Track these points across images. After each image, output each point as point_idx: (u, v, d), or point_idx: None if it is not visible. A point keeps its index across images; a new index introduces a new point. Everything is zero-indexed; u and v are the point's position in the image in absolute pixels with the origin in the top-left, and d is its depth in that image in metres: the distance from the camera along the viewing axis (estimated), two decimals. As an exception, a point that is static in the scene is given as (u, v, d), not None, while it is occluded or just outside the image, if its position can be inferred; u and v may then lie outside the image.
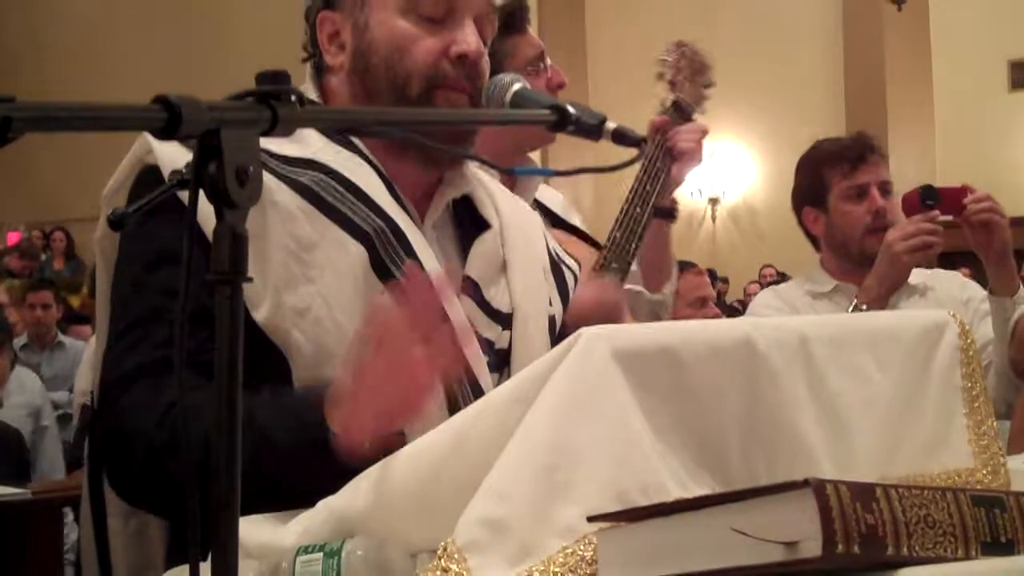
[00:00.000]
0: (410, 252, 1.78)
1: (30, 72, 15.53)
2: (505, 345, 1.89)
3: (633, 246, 2.91)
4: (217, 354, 1.09)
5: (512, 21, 2.76)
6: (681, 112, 3.07)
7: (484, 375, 1.80)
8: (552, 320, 1.99)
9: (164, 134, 1.09)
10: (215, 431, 1.08)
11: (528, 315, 1.92)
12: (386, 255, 1.76)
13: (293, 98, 1.19)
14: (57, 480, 5.51)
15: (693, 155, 3.00)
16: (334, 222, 1.75)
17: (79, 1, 16.65)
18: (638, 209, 2.94)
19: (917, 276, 3.55)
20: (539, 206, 2.89)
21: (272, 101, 1.17)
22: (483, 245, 1.93)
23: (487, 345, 1.86)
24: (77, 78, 14.96)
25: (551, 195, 3.12)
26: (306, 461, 1.54)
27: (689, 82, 3.12)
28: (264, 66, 1.22)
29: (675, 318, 3.47)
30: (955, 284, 3.61)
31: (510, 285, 1.92)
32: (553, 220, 2.93)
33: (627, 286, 2.96)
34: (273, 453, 1.54)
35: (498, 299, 1.90)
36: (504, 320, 1.90)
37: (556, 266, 2.07)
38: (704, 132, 3.04)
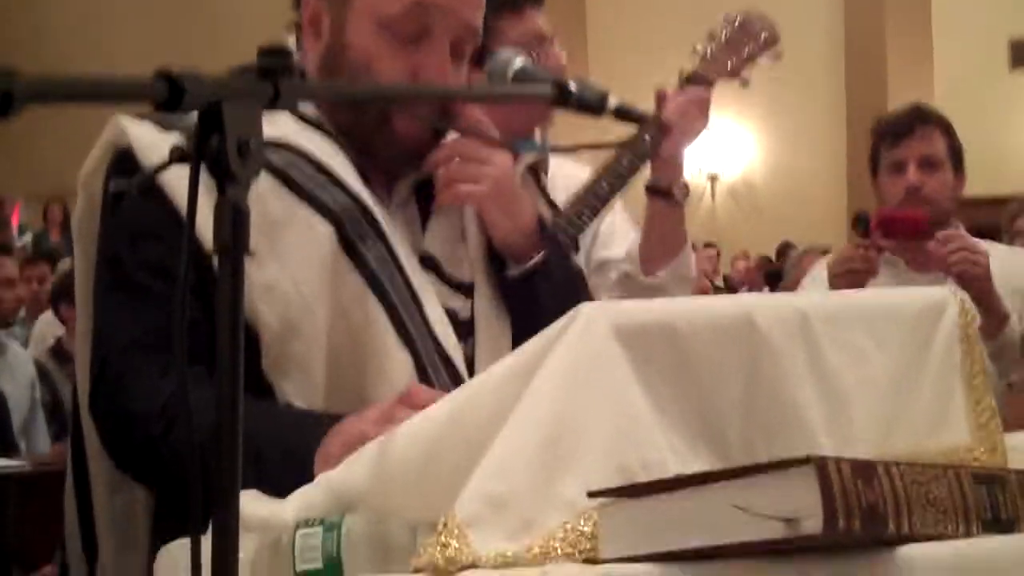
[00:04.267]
0: (378, 231, 1.80)
1: (28, 52, 15.49)
2: (468, 315, 1.90)
3: (585, 219, 2.75)
4: (218, 325, 1.10)
5: (508, 1, 2.67)
6: (692, 84, 2.83)
7: (453, 347, 1.82)
8: None
9: (166, 107, 1.09)
10: (216, 404, 1.08)
11: (488, 283, 1.93)
12: (354, 233, 1.77)
13: (294, 72, 1.19)
14: (56, 452, 5.51)
15: (682, 123, 2.75)
16: (303, 201, 1.77)
17: None
18: (604, 184, 2.78)
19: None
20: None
21: (273, 75, 1.17)
22: (440, 219, 1.94)
23: (451, 315, 1.87)
24: (76, 59, 14.92)
25: (574, 173, 2.99)
26: (292, 488, 1.53)
27: (726, 51, 2.89)
28: (264, 41, 1.22)
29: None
30: (1016, 262, 3.55)
31: (468, 255, 1.93)
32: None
33: (624, 268, 2.88)
34: (263, 476, 1.54)
35: (459, 271, 1.91)
36: (466, 289, 1.91)
37: None
38: (697, 99, 2.79)
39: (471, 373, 1.84)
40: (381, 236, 1.80)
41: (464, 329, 1.89)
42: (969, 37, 15.37)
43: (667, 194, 2.80)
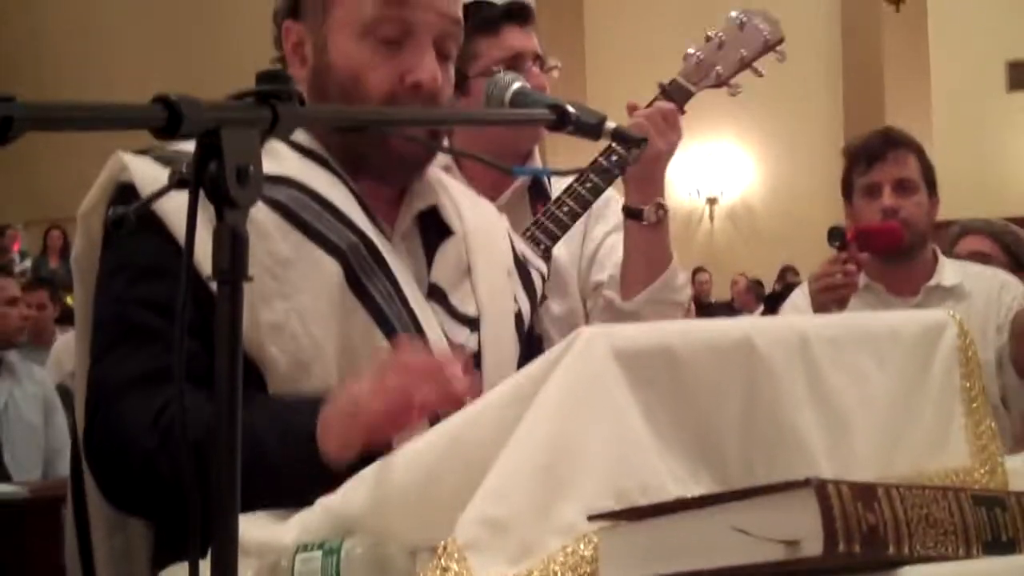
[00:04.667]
0: (383, 265, 1.80)
1: (29, 71, 15.52)
2: (475, 347, 1.90)
3: (541, 247, 2.61)
4: (217, 354, 1.10)
5: (483, 22, 2.64)
6: (669, 96, 2.70)
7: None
8: (519, 317, 2.00)
9: (164, 133, 1.09)
10: (215, 426, 1.08)
11: (494, 317, 1.94)
12: (360, 270, 1.77)
13: (294, 98, 1.19)
14: (56, 479, 5.49)
15: (655, 142, 2.58)
16: (309, 239, 1.76)
17: (79, 1, 16.65)
18: (564, 207, 2.66)
19: (954, 275, 3.50)
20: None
21: (272, 100, 1.17)
22: (446, 252, 1.94)
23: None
24: (76, 77, 14.96)
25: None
26: (294, 470, 1.55)
27: (717, 56, 2.75)
28: (264, 63, 1.22)
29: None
30: (993, 285, 3.53)
31: (475, 289, 1.93)
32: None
33: (605, 292, 2.74)
34: (262, 461, 1.54)
35: (464, 304, 1.92)
36: (471, 323, 1.91)
37: (522, 266, 2.08)
38: (661, 112, 2.62)
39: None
40: (386, 271, 1.80)
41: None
42: (966, 59, 15.41)
43: (634, 214, 2.63)
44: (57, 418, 5.91)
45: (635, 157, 2.53)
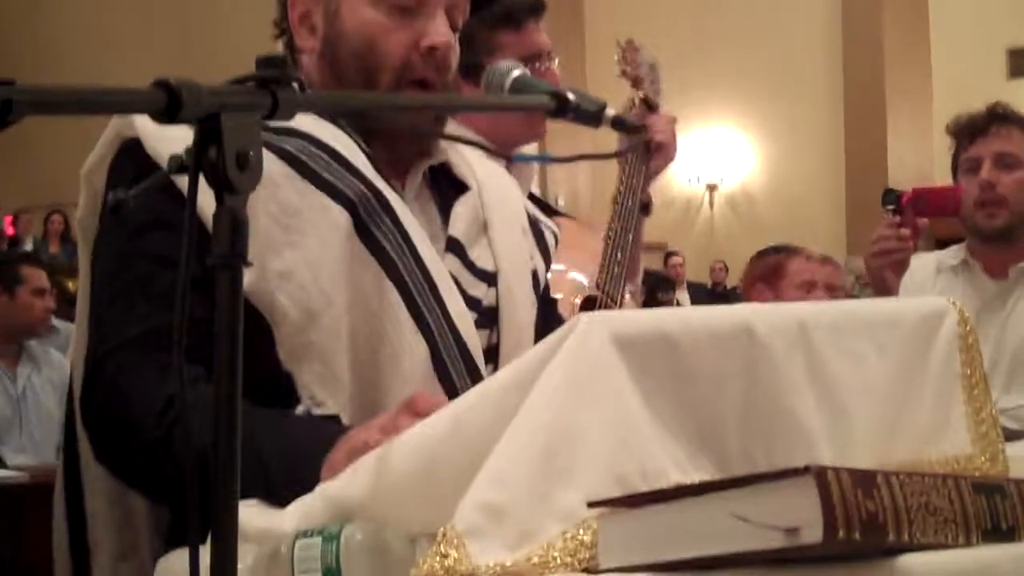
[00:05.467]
0: (393, 217, 1.79)
1: (28, 62, 15.50)
2: (492, 302, 1.90)
3: (631, 236, 2.97)
4: (216, 340, 1.09)
5: (507, 16, 2.70)
6: (650, 107, 3.12)
7: (471, 333, 1.82)
8: (535, 275, 2.00)
9: (164, 118, 1.09)
10: (214, 413, 1.08)
11: (511, 272, 1.94)
12: (369, 220, 1.76)
13: (293, 83, 1.19)
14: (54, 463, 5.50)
15: (670, 147, 3.04)
16: (318, 188, 1.75)
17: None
18: (629, 202, 2.99)
19: None
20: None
21: (272, 86, 1.17)
22: (463, 206, 1.94)
23: (474, 303, 1.87)
24: (75, 68, 14.93)
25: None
26: (292, 490, 1.52)
27: (648, 79, 3.18)
28: (263, 52, 1.22)
29: (782, 300, 3.41)
30: None
31: (492, 244, 1.94)
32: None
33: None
34: (264, 487, 1.53)
35: (482, 258, 1.92)
36: (489, 278, 1.91)
37: (535, 224, 2.08)
38: (674, 121, 3.09)
39: (492, 361, 1.84)
40: (396, 222, 1.79)
41: (487, 317, 1.89)
42: (967, 46, 15.39)
43: (644, 208, 3.05)
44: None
45: (635, 144, 2.93)
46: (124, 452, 1.71)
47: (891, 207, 3.12)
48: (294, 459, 1.58)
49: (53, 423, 5.74)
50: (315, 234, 1.73)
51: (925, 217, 3.18)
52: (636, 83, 3.17)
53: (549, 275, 2.11)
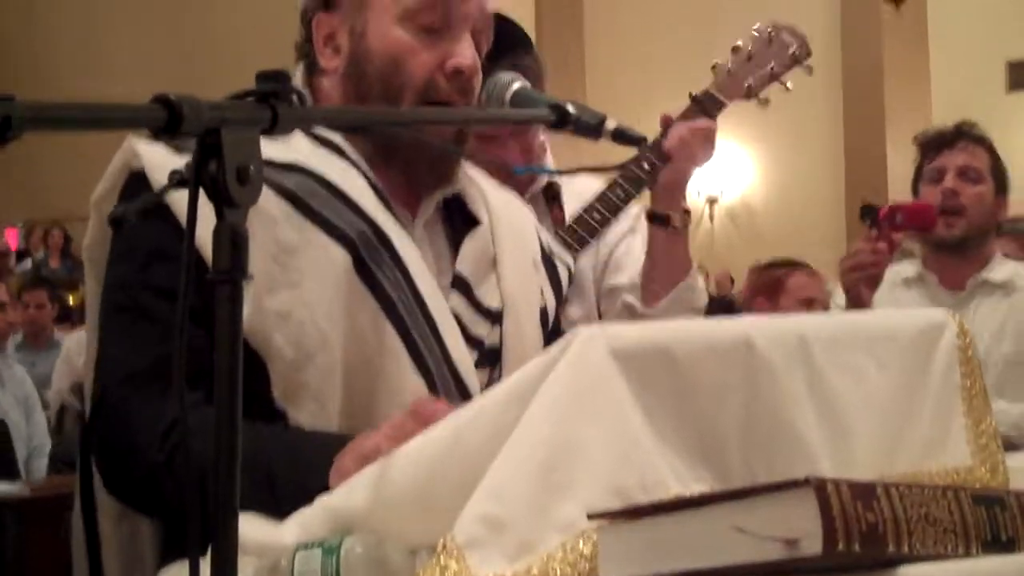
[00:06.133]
0: (394, 255, 1.79)
1: (27, 70, 15.51)
2: (496, 342, 1.89)
3: (576, 253, 2.71)
4: (216, 353, 1.10)
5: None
6: (701, 107, 2.75)
7: (470, 373, 1.81)
8: (544, 312, 2.00)
9: (164, 133, 1.10)
10: (215, 428, 1.08)
11: (518, 311, 1.93)
12: (369, 258, 1.76)
13: (294, 97, 1.19)
14: (58, 478, 5.50)
15: (682, 155, 2.68)
16: (317, 226, 1.75)
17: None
18: (595, 214, 2.74)
19: (1006, 272, 3.46)
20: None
21: (272, 100, 1.17)
22: (473, 242, 1.93)
23: (477, 343, 1.86)
24: (74, 75, 14.95)
25: (587, 185, 2.91)
26: (299, 502, 1.53)
27: (747, 68, 2.79)
28: (263, 66, 1.22)
29: (778, 312, 3.26)
30: None
31: (500, 281, 1.93)
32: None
33: (624, 297, 2.81)
34: (273, 496, 1.54)
35: (488, 296, 1.91)
36: (494, 317, 1.90)
37: (548, 259, 2.08)
38: (702, 130, 2.70)
39: None
40: (396, 260, 1.79)
41: (490, 357, 1.88)
42: (966, 59, 15.40)
43: (666, 222, 2.72)
44: (36, 416, 5.96)
45: (654, 165, 2.66)
46: (128, 478, 1.73)
47: (868, 221, 3.13)
48: (301, 467, 1.58)
49: (21, 439, 5.74)
50: (313, 273, 1.73)
51: (901, 232, 3.20)
52: (717, 76, 2.80)
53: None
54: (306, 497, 1.48)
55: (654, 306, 2.74)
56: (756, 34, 2.83)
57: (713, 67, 2.81)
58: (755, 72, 2.80)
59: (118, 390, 1.72)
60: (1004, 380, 3.27)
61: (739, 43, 2.82)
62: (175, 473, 1.63)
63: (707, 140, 2.72)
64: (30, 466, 5.74)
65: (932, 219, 3.25)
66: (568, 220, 2.79)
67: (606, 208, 2.74)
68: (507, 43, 2.43)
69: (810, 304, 4.78)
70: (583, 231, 2.75)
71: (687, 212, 2.75)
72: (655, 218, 2.72)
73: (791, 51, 2.83)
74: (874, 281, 3.09)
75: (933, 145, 3.49)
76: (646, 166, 2.70)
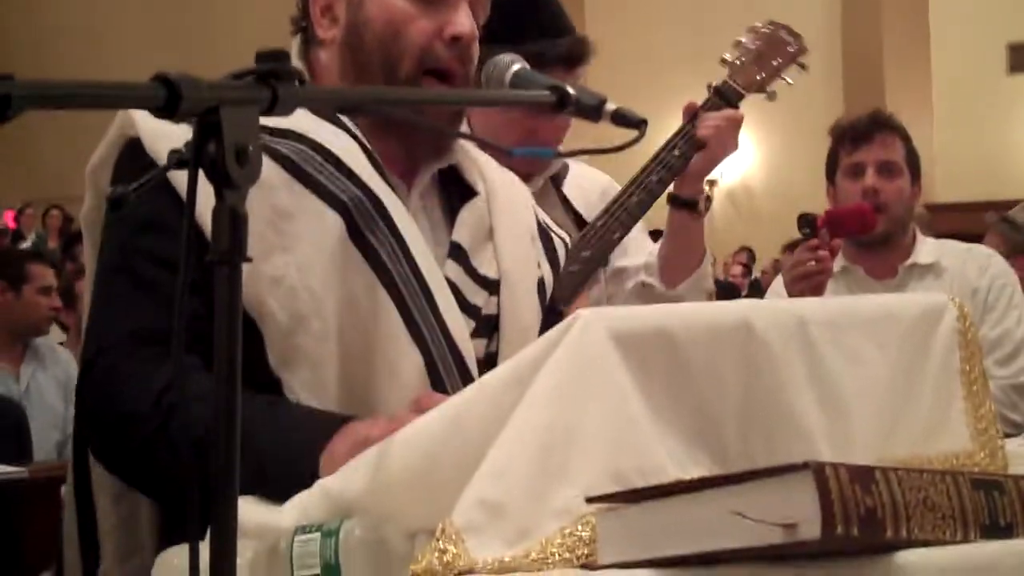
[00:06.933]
0: (389, 222, 1.78)
1: (27, 57, 15.49)
2: (493, 311, 1.89)
3: (616, 236, 2.83)
4: (216, 336, 1.09)
5: (569, 58, 2.75)
6: (722, 97, 2.88)
7: (465, 341, 1.81)
8: (541, 283, 2.00)
9: (163, 112, 1.09)
10: (214, 409, 1.08)
11: (516, 280, 1.93)
12: (364, 225, 1.76)
13: (293, 77, 1.19)
14: (59, 461, 5.50)
15: (716, 143, 2.81)
16: (311, 191, 1.75)
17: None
18: (634, 199, 2.84)
19: (931, 253, 3.51)
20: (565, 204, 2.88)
21: (272, 80, 1.17)
22: (470, 211, 1.93)
23: (474, 311, 1.86)
24: (75, 61, 14.92)
25: (593, 177, 3.05)
26: (291, 493, 1.51)
27: (755, 63, 2.92)
28: (263, 47, 1.22)
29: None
30: (972, 267, 3.54)
31: (497, 251, 1.93)
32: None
33: (642, 278, 2.91)
34: (261, 479, 1.53)
35: (485, 265, 1.90)
36: (492, 286, 1.90)
37: (545, 234, 2.08)
38: (734, 120, 2.83)
39: (490, 369, 1.83)
40: (392, 227, 1.78)
41: (488, 325, 1.88)
42: (967, 41, 15.38)
43: (692, 206, 2.84)
44: None
45: (685, 153, 2.78)
46: (120, 447, 1.71)
47: (807, 231, 3.15)
48: (293, 451, 1.57)
49: (56, 420, 5.73)
50: (307, 238, 1.72)
51: (840, 238, 3.23)
52: (729, 69, 2.92)
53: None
54: (296, 482, 1.47)
55: (676, 287, 2.86)
56: (759, 31, 2.96)
57: (723, 60, 2.92)
58: (764, 67, 2.93)
59: (106, 356, 1.71)
60: None
61: (741, 39, 2.94)
62: (170, 438, 1.61)
63: (737, 129, 2.86)
64: (63, 450, 5.72)
65: (871, 221, 3.28)
66: (592, 222, 2.87)
67: (645, 194, 2.83)
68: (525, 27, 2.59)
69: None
70: (625, 215, 2.84)
71: (709, 198, 2.92)
72: (681, 202, 2.84)
73: (790, 48, 2.95)
74: (820, 288, 3.13)
75: (849, 137, 3.52)
76: (677, 152, 2.80)
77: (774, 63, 2.93)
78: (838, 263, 3.50)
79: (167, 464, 1.61)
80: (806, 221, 3.16)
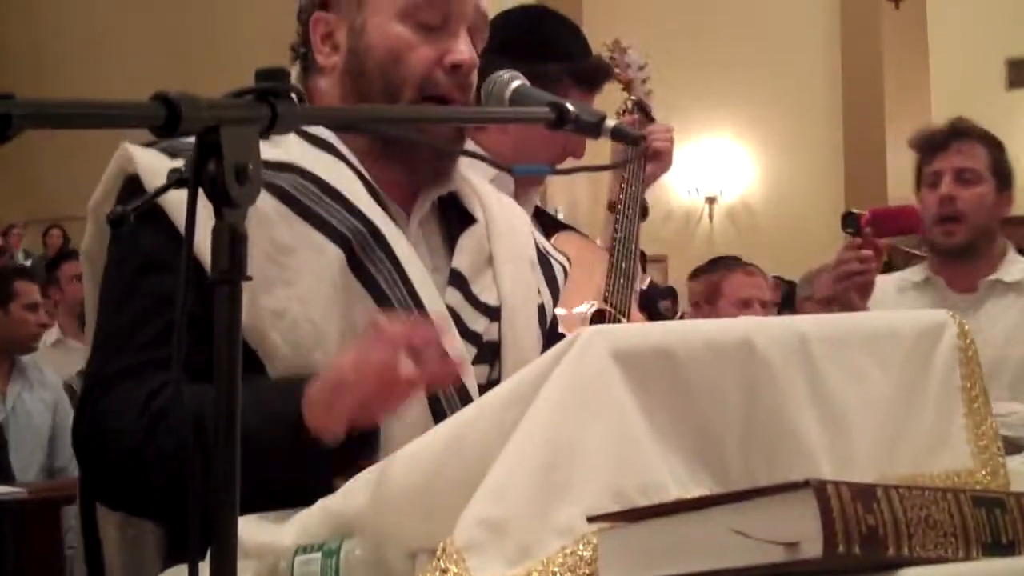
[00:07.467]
0: (388, 251, 1.79)
1: (28, 67, 15.51)
2: (494, 338, 1.90)
3: (634, 246, 2.98)
4: (216, 354, 1.09)
5: (587, 76, 2.85)
6: (643, 111, 3.15)
7: (467, 370, 1.80)
8: (541, 309, 2.00)
9: (163, 131, 1.09)
10: (212, 428, 1.08)
11: (516, 307, 1.94)
12: (364, 255, 1.76)
13: (293, 96, 1.19)
14: (54, 480, 5.47)
15: (667, 155, 3.10)
16: (311, 225, 1.76)
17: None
18: (630, 210, 3.01)
19: (1020, 271, 3.40)
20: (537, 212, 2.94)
21: (271, 98, 1.17)
22: (469, 239, 1.94)
23: (475, 338, 1.86)
24: (74, 74, 14.93)
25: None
26: (282, 451, 1.53)
27: (637, 80, 3.21)
28: (263, 64, 1.22)
29: (718, 317, 3.45)
30: None
31: (497, 278, 1.93)
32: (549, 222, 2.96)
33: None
34: (248, 446, 1.52)
35: (485, 292, 1.91)
36: (492, 312, 1.91)
37: (544, 258, 2.08)
38: (672, 131, 3.15)
39: None
40: (391, 256, 1.79)
41: (489, 352, 1.88)
42: (966, 56, 15.39)
43: (642, 212, 3.10)
44: (68, 422, 5.85)
45: (637, 155, 3.01)
46: (113, 472, 1.71)
47: (850, 230, 3.07)
48: (273, 410, 1.57)
49: (41, 441, 5.69)
50: (308, 271, 1.73)
51: (884, 237, 3.15)
52: (627, 86, 3.20)
53: (558, 310, 2.11)
54: (278, 441, 1.50)
55: None
56: (618, 56, 3.30)
57: (620, 82, 3.24)
58: (641, 84, 3.28)
59: (98, 388, 1.73)
60: (1020, 381, 3.25)
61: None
62: (159, 437, 1.62)
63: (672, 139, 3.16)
64: (50, 471, 5.69)
65: (916, 221, 3.21)
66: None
67: (633, 234, 3.06)
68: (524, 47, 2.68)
69: (747, 305, 4.71)
70: (629, 263, 3.04)
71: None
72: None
73: (643, 65, 3.31)
74: (865, 288, 3.05)
75: (927, 147, 3.45)
76: (636, 180, 3.06)
77: (643, 77, 3.27)
78: (920, 273, 3.45)
79: (159, 472, 1.61)
80: (850, 220, 3.07)
